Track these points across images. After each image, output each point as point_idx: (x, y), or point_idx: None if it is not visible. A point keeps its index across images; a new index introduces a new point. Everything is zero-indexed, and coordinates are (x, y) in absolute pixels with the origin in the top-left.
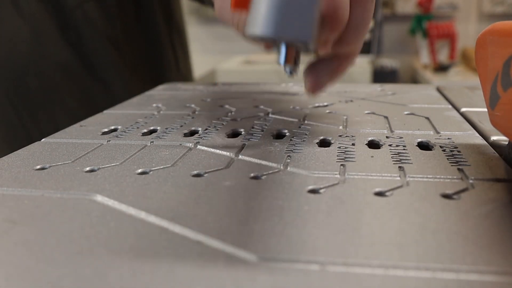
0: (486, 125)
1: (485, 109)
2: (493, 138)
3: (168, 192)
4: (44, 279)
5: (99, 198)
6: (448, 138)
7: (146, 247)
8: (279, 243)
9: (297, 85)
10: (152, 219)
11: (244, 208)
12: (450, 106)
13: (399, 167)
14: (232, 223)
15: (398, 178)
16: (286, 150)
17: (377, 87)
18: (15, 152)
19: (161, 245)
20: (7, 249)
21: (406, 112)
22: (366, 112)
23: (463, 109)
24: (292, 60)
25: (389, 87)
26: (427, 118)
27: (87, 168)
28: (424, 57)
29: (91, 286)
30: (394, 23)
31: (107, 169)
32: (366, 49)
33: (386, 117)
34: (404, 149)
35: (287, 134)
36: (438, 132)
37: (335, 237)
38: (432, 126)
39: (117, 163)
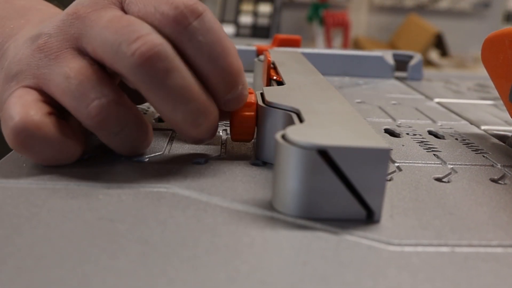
0: (470, 115)
1: (457, 100)
2: (483, 127)
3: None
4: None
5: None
6: (450, 128)
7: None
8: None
9: None
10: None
11: None
12: (423, 97)
13: (434, 154)
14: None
15: (440, 165)
16: None
17: (344, 77)
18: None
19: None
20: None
21: (393, 102)
22: (357, 101)
23: (436, 100)
24: None
25: (355, 78)
26: (416, 108)
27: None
28: (320, 44)
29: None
30: (292, 9)
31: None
32: (265, 34)
33: (380, 107)
34: (423, 138)
35: None
36: (435, 122)
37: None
38: (425, 115)
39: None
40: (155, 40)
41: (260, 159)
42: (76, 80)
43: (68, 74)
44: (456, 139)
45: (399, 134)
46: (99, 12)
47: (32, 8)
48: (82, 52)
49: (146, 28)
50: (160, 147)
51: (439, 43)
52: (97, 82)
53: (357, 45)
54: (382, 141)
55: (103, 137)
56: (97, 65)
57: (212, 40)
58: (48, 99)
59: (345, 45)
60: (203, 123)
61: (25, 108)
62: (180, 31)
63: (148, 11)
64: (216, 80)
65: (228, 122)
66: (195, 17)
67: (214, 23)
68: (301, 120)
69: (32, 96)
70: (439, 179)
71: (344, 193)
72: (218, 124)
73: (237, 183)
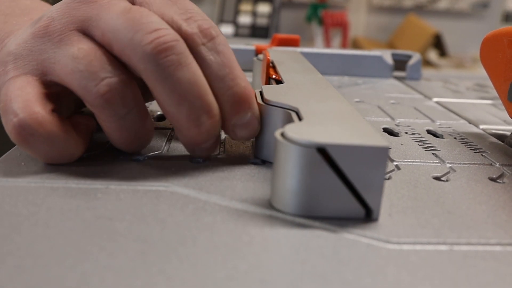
0: (468, 115)
1: (455, 100)
2: (482, 126)
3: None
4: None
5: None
6: (449, 127)
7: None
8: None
9: None
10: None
11: None
12: (422, 96)
13: (433, 153)
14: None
15: (439, 164)
16: None
17: (343, 77)
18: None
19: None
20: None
21: (392, 101)
22: (356, 100)
23: (435, 99)
24: None
25: (353, 78)
26: (415, 108)
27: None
28: (319, 44)
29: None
30: (291, 9)
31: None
32: (264, 34)
33: (378, 107)
34: (422, 137)
35: None
36: (434, 121)
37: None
38: (423, 115)
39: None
40: (173, 35)
41: (259, 157)
42: (85, 61)
43: (76, 55)
44: (455, 138)
45: (398, 133)
46: (110, 0)
47: (37, 8)
48: (87, 34)
49: (164, 24)
50: (158, 146)
51: (438, 43)
52: (106, 62)
53: (356, 45)
54: (381, 139)
55: (108, 120)
56: (105, 48)
57: (222, 61)
58: (51, 90)
59: (344, 45)
60: (205, 122)
61: (29, 103)
62: (192, 48)
63: (165, 19)
64: (222, 99)
65: None
66: (208, 39)
67: (225, 48)
68: (300, 118)
69: (34, 89)
70: (437, 178)
71: (343, 192)
72: (219, 134)
73: (236, 182)
